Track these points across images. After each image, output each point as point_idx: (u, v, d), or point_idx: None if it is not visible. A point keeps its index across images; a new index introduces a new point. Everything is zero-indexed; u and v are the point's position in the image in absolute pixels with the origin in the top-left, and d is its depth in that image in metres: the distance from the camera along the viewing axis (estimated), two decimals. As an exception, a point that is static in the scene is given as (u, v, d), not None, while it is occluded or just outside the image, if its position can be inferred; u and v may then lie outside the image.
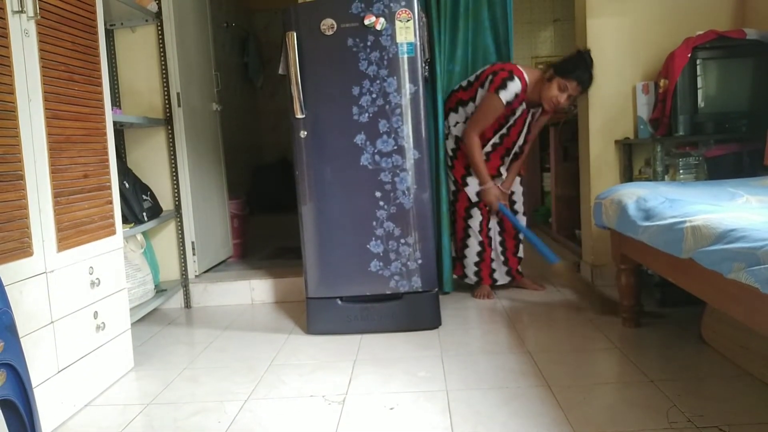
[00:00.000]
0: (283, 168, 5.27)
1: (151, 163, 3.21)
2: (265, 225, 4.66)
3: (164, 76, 3.13)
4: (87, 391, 2.02)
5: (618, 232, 2.29)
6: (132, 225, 2.69)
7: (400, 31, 2.45)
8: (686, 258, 1.68)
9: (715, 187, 2.26)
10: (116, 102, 3.13)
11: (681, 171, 2.77)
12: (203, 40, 3.58)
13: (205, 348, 2.54)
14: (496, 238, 3.06)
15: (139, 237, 2.95)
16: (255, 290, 3.23)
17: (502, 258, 3.07)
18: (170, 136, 3.17)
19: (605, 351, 2.22)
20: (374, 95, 2.48)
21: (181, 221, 3.22)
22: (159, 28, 3.10)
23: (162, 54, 3.12)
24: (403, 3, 2.44)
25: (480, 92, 2.85)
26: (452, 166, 3.00)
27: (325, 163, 2.53)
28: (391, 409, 1.84)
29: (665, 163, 2.76)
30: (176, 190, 3.20)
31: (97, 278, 2.10)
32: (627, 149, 3.00)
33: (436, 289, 2.60)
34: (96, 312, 2.09)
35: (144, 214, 2.81)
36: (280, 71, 2.55)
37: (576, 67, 2.69)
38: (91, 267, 2.07)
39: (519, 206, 3.11)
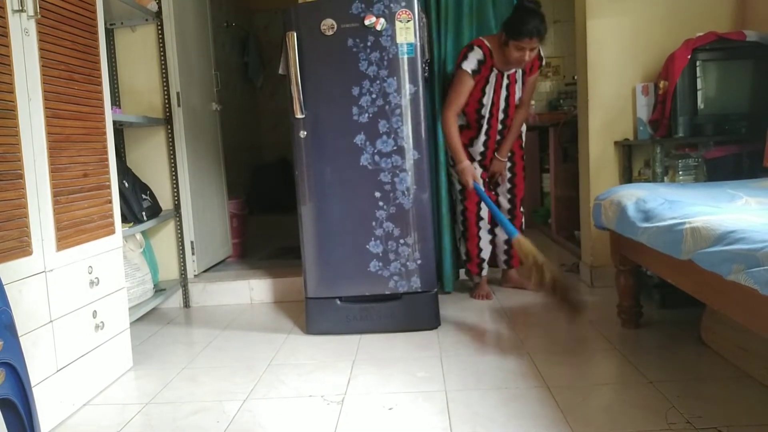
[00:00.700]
0: (283, 168, 5.27)
1: (151, 162, 3.21)
2: (265, 225, 4.66)
3: (164, 75, 3.13)
4: (86, 390, 2.02)
5: (617, 233, 2.29)
6: (131, 224, 2.69)
7: (400, 32, 2.45)
8: (686, 259, 1.68)
9: (714, 188, 2.26)
10: (116, 101, 3.13)
11: (680, 172, 2.77)
12: (203, 39, 3.58)
13: (204, 347, 2.54)
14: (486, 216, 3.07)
15: (139, 236, 2.95)
16: (254, 290, 3.23)
17: (504, 246, 3.09)
18: (170, 135, 3.17)
19: (604, 352, 2.22)
20: (374, 95, 2.48)
21: (180, 221, 3.22)
22: (159, 27, 3.10)
23: (162, 53, 3.12)
24: (403, 3, 2.44)
25: None
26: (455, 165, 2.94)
27: (325, 163, 2.53)
28: (390, 409, 1.84)
29: (665, 164, 2.76)
30: (176, 190, 3.20)
31: (96, 277, 2.10)
32: (626, 150, 3.00)
33: (436, 290, 2.60)
34: (95, 311, 2.09)
35: (143, 213, 2.81)
36: (280, 71, 2.56)
37: (522, 23, 2.60)
38: (90, 266, 2.07)
39: (504, 192, 3.06)
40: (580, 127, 3.22)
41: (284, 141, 4.66)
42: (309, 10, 2.48)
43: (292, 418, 1.83)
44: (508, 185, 3.07)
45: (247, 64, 5.34)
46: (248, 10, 5.56)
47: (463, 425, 1.71)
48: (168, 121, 3.15)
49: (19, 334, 1.48)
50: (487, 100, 2.85)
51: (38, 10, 1.79)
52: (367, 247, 2.54)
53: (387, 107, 2.48)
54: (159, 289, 3.07)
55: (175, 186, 3.19)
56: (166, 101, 3.15)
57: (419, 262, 2.54)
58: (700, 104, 2.70)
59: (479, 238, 3.01)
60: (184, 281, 3.23)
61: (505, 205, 3.08)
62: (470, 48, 2.76)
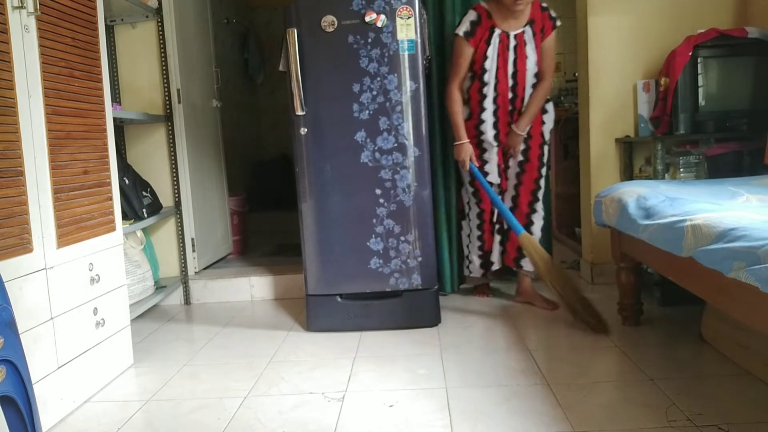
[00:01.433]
0: (283, 165, 5.27)
1: (151, 159, 3.21)
2: (265, 222, 4.66)
3: (164, 72, 3.13)
4: (86, 387, 2.02)
5: (618, 230, 2.29)
6: (132, 221, 2.69)
7: (401, 28, 2.45)
8: (686, 257, 1.68)
9: (715, 185, 2.26)
10: (116, 98, 3.13)
11: (681, 169, 2.77)
12: (204, 36, 3.57)
13: (204, 345, 2.54)
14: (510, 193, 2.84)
15: (139, 233, 2.95)
16: (255, 287, 3.23)
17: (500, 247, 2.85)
18: (170, 132, 3.16)
19: (605, 349, 2.22)
20: (375, 92, 2.48)
21: (180, 218, 3.22)
22: (159, 24, 3.10)
23: (162, 50, 3.11)
24: (404, 0, 2.43)
25: None
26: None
27: (326, 160, 2.53)
28: (391, 406, 1.84)
29: (666, 161, 2.76)
30: (176, 187, 3.20)
31: (96, 274, 2.10)
32: (627, 147, 3.00)
33: (436, 287, 2.60)
34: (96, 308, 2.09)
35: (144, 210, 2.81)
36: (281, 68, 2.55)
37: None
38: (90, 263, 2.07)
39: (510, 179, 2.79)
40: (581, 124, 3.22)
41: (285, 138, 4.66)
42: (309, 7, 2.47)
43: (292, 415, 1.83)
44: (516, 169, 2.78)
45: (248, 61, 5.34)
46: (249, 7, 5.55)
47: (463, 422, 1.71)
48: (168, 118, 3.15)
49: (20, 332, 1.48)
50: (490, 64, 2.61)
51: (38, 7, 1.79)
52: (368, 244, 2.54)
53: (388, 104, 2.48)
54: (160, 286, 3.07)
55: (175, 183, 3.19)
56: (167, 98, 3.14)
57: (420, 259, 2.54)
58: (701, 101, 2.70)
59: (492, 240, 2.85)
60: (184, 278, 3.23)
61: (509, 192, 2.81)
62: (466, 13, 2.65)
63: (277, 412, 1.84)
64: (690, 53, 2.67)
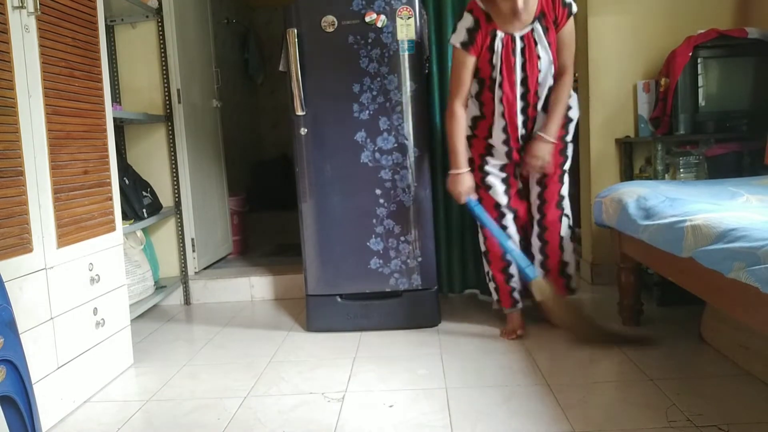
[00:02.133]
0: (284, 165, 5.27)
1: (151, 159, 3.21)
2: (265, 222, 4.66)
3: (164, 72, 3.13)
4: (86, 387, 2.02)
5: (618, 230, 2.29)
6: (132, 221, 2.69)
7: (401, 29, 2.45)
8: (686, 257, 1.67)
9: (715, 186, 2.26)
10: (116, 98, 3.13)
11: (681, 170, 2.76)
12: (204, 36, 3.57)
13: (204, 345, 2.54)
14: (536, 243, 2.45)
15: (139, 233, 2.95)
16: (255, 287, 3.23)
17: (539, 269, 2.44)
18: (170, 132, 3.16)
19: (605, 350, 2.22)
20: (375, 92, 2.48)
21: (180, 218, 3.22)
22: (159, 24, 3.10)
23: (162, 50, 3.11)
24: (404, 0, 2.43)
25: None
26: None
27: (326, 161, 2.53)
28: (391, 406, 1.84)
29: (666, 161, 2.76)
30: (176, 187, 3.20)
31: (96, 274, 2.10)
32: (627, 148, 3.00)
33: (436, 287, 2.60)
34: (95, 308, 2.09)
35: (144, 210, 2.81)
36: (281, 68, 2.55)
37: None
38: (90, 263, 2.07)
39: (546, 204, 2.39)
40: (580, 124, 3.21)
41: (285, 138, 4.66)
42: (310, 7, 2.47)
43: (292, 415, 1.83)
44: (537, 188, 2.40)
45: (248, 61, 5.34)
46: (249, 7, 5.55)
47: (463, 422, 1.71)
48: (168, 118, 3.15)
49: (20, 331, 1.48)
50: (497, 74, 2.25)
51: (38, 7, 1.79)
52: (368, 244, 2.54)
53: (388, 104, 2.48)
54: (160, 287, 3.07)
55: (175, 183, 3.19)
56: (167, 98, 3.14)
57: (420, 259, 2.54)
58: (702, 101, 2.70)
59: (506, 262, 2.43)
60: (184, 278, 3.23)
61: (534, 202, 2.42)
62: (461, 16, 2.27)
63: (277, 412, 1.84)
64: (690, 53, 2.67)
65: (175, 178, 3.19)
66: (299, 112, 2.50)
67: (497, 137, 2.32)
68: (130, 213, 2.72)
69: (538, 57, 2.24)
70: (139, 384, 2.16)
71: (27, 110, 1.76)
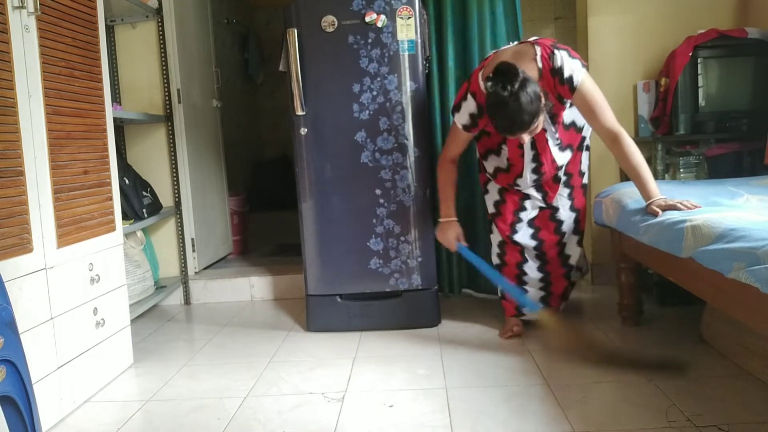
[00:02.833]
0: (284, 165, 5.27)
1: (151, 159, 3.21)
2: (265, 222, 4.65)
3: (164, 72, 3.13)
4: (86, 387, 2.02)
5: (618, 230, 2.29)
6: (132, 221, 2.69)
7: (401, 29, 2.45)
8: (686, 257, 1.68)
9: (715, 186, 2.26)
10: (116, 98, 3.13)
11: (681, 170, 2.77)
12: (204, 36, 3.57)
13: (204, 345, 2.54)
14: (531, 271, 2.41)
15: (139, 233, 2.95)
16: (255, 287, 3.23)
17: (540, 293, 2.44)
18: (170, 132, 3.16)
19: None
20: (375, 93, 2.48)
21: (180, 218, 3.22)
22: (159, 24, 3.10)
23: (162, 50, 3.11)
24: (404, 0, 2.43)
25: None
26: (479, 168, 2.49)
27: (326, 161, 2.53)
28: (391, 406, 1.84)
29: (666, 161, 2.76)
30: (176, 187, 3.20)
31: (96, 275, 2.10)
32: (627, 148, 2.99)
33: (436, 287, 2.60)
34: (95, 308, 2.09)
35: (144, 210, 2.81)
36: (281, 68, 2.55)
37: (493, 119, 1.98)
38: (90, 263, 2.07)
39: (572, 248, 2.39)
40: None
41: (285, 138, 4.66)
42: (310, 7, 2.47)
43: (292, 415, 1.83)
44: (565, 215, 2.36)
45: (248, 61, 5.33)
46: (249, 7, 5.55)
47: (463, 422, 1.71)
48: (168, 118, 3.15)
49: (20, 331, 1.48)
50: (501, 159, 2.27)
51: (38, 7, 1.79)
52: (368, 244, 2.54)
53: (388, 104, 2.48)
54: (160, 287, 3.07)
55: (175, 183, 3.19)
56: (167, 98, 3.14)
57: (420, 259, 2.54)
58: (702, 102, 2.70)
59: (520, 273, 2.41)
60: (184, 278, 3.23)
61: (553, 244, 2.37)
62: (464, 95, 2.16)
63: (276, 412, 1.84)
64: (690, 54, 2.67)
65: (175, 178, 3.19)
66: (299, 112, 2.50)
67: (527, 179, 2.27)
68: (130, 213, 2.72)
69: (547, 140, 2.16)
70: (139, 384, 2.16)
71: (27, 110, 1.76)
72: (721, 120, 2.71)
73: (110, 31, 3.12)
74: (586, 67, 2.06)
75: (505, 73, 1.89)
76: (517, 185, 2.32)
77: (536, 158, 2.21)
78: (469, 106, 2.15)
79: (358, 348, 2.38)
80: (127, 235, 2.78)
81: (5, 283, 1.45)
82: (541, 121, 1.99)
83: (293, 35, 2.45)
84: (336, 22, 2.45)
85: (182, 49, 3.20)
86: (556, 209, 2.35)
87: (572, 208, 2.37)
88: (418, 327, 2.56)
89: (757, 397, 1.76)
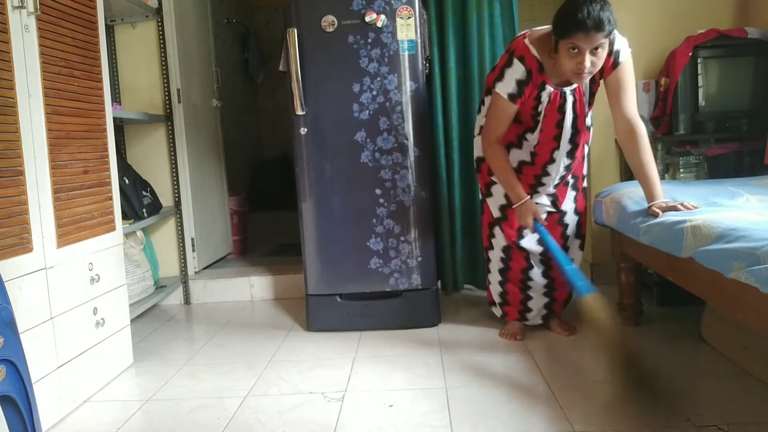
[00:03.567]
0: (283, 165, 5.27)
1: (151, 159, 3.21)
2: (265, 222, 4.65)
3: (164, 72, 3.13)
4: (86, 387, 2.02)
5: (618, 230, 2.29)
6: (132, 221, 2.69)
7: (401, 29, 2.45)
8: (686, 257, 1.68)
9: (715, 186, 2.26)
10: (116, 98, 3.13)
11: (681, 170, 2.77)
12: (204, 36, 3.57)
13: (204, 344, 2.54)
14: (537, 277, 2.35)
15: (139, 233, 2.95)
16: (254, 287, 3.23)
17: (544, 299, 2.39)
18: (170, 132, 3.16)
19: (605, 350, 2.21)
20: (375, 92, 2.48)
21: (180, 218, 3.22)
22: (159, 23, 3.10)
23: (162, 50, 3.11)
24: (404, 0, 2.43)
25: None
26: (478, 169, 2.38)
27: (326, 160, 2.53)
28: (391, 406, 1.84)
29: (666, 161, 2.76)
30: (176, 187, 3.20)
31: (96, 274, 2.10)
32: (627, 148, 2.99)
33: (436, 287, 2.60)
34: (95, 308, 2.09)
35: (144, 210, 2.81)
36: (281, 68, 2.55)
37: (570, 12, 1.80)
38: (90, 263, 2.07)
39: (572, 240, 2.37)
40: (581, 124, 3.21)
41: (285, 138, 4.66)
42: (309, 7, 2.47)
43: (292, 415, 1.83)
44: (574, 218, 2.35)
45: (248, 61, 5.33)
46: (249, 7, 5.55)
47: (463, 422, 1.71)
48: (168, 117, 3.15)
49: (20, 331, 1.48)
50: (537, 129, 2.12)
51: (38, 7, 1.79)
52: (368, 244, 2.54)
53: (388, 104, 2.48)
54: (159, 286, 3.07)
55: (175, 183, 3.19)
56: (167, 98, 3.14)
57: (419, 259, 2.54)
58: (702, 101, 2.70)
59: (525, 278, 2.36)
60: (184, 278, 3.23)
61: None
62: (508, 62, 2.02)
63: (276, 412, 1.84)
64: (690, 53, 2.67)
65: (175, 178, 3.19)
66: (299, 112, 2.50)
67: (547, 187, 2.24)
68: (130, 213, 2.72)
69: (584, 116, 2.11)
70: (138, 384, 2.16)
71: (27, 110, 1.76)
72: (721, 120, 2.71)
73: (110, 30, 3.12)
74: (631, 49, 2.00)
75: None
76: (547, 173, 2.19)
77: (573, 139, 2.11)
78: (516, 71, 2.00)
79: (358, 348, 2.38)
80: (127, 235, 2.78)
81: (5, 283, 1.45)
82: (604, 57, 1.89)
83: (293, 35, 2.45)
84: (336, 22, 2.45)
85: (182, 48, 3.21)
86: (564, 213, 2.32)
87: (576, 212, 2.35)
88: (418, 327, 2.56)
89: (756, 397, 1.76)
